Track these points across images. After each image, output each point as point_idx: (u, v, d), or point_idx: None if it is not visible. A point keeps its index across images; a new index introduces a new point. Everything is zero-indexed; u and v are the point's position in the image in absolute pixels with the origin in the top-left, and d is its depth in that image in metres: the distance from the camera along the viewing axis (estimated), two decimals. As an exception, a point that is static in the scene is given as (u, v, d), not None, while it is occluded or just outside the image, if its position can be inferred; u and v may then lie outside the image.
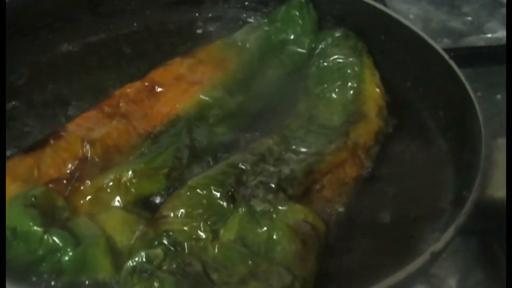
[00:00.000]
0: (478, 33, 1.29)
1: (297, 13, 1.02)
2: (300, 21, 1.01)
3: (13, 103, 0.92)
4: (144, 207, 0.79)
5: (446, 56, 0.90)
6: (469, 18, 1.32)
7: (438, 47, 0.92)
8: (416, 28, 0.95)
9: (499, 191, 0.77)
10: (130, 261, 0.69)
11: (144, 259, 0.69)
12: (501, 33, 1.28)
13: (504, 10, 1.34)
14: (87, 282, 0.71)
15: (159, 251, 0.70)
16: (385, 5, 1.02)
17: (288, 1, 1.03)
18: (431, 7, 1.34)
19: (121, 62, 1.00)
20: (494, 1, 1.37)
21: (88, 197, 0.79)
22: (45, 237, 0.70)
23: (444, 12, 1.34)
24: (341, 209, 0.81)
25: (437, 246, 0.68)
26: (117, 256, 0.73)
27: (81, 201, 0.79)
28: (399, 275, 0.65)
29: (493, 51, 1.23)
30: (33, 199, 0.73)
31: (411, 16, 1.28)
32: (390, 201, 0.83)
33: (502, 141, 0.81)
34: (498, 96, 1.14)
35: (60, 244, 0.70)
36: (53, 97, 0.94)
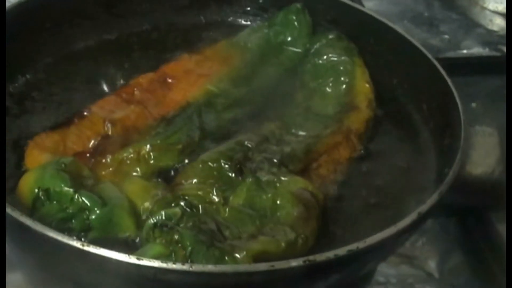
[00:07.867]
0: (455, 49, 1.39)
1: (294, 18, 1.10)
2: (296, 25, 1.10)
3: (35, 93, 0.98)
4: (160, 179, 0.84)
5: (429, 55, 0.98)
6: (447, 36, 1.42)
7: (422, 47, 1.00)
8: (402, 31, 1.04)
9: (477, 169, 0.86)
10: (151, 219, 0.75)
11: (164, 217, 0.74)
12: (476, 50, 1.38)
13: (479, 30, 1.44)
14: (112, 239, 0.76)
15: (177, 210, 0.75)
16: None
17: (286, 7, 1.11)
18: (412, 25, 1.44)
19: (132, 57, 1.07)
20: (469, 22, 1.47)
21: (110, 169, 0.85)
22: (76, 197, 0.76)
23: (423, 30, 1.43)
24: (335, 186, 0.88)
25: (423, 207, 0.74)
26: (138, 217, 0.78)
27: (103, 172, 0.84)
28: (390, 230, 0.71)
29: (469, 62, 1.33)
30: (63, 165, 0.79)
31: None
32: (379, 179, 0.90)
33: (479, 128, 0.91)
34: (473, 105, 1.21)
35: (89, 204, 0.76)
36: (72, 85, 1.00)
